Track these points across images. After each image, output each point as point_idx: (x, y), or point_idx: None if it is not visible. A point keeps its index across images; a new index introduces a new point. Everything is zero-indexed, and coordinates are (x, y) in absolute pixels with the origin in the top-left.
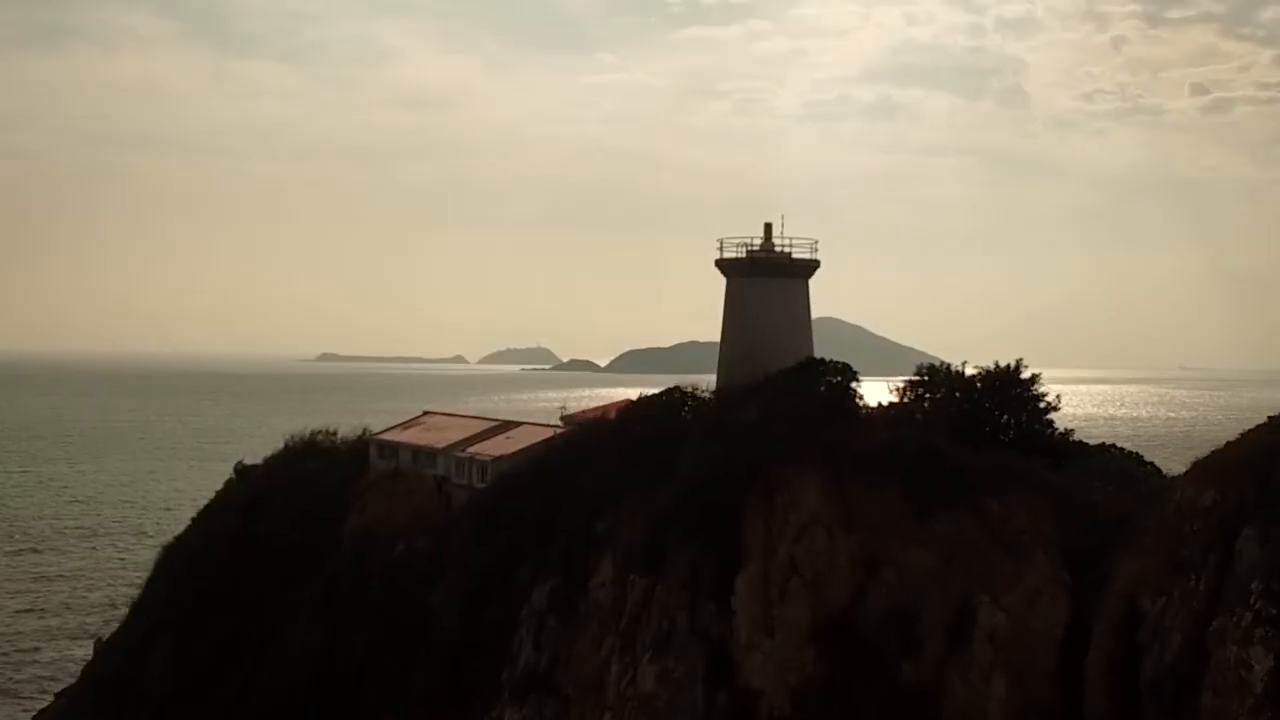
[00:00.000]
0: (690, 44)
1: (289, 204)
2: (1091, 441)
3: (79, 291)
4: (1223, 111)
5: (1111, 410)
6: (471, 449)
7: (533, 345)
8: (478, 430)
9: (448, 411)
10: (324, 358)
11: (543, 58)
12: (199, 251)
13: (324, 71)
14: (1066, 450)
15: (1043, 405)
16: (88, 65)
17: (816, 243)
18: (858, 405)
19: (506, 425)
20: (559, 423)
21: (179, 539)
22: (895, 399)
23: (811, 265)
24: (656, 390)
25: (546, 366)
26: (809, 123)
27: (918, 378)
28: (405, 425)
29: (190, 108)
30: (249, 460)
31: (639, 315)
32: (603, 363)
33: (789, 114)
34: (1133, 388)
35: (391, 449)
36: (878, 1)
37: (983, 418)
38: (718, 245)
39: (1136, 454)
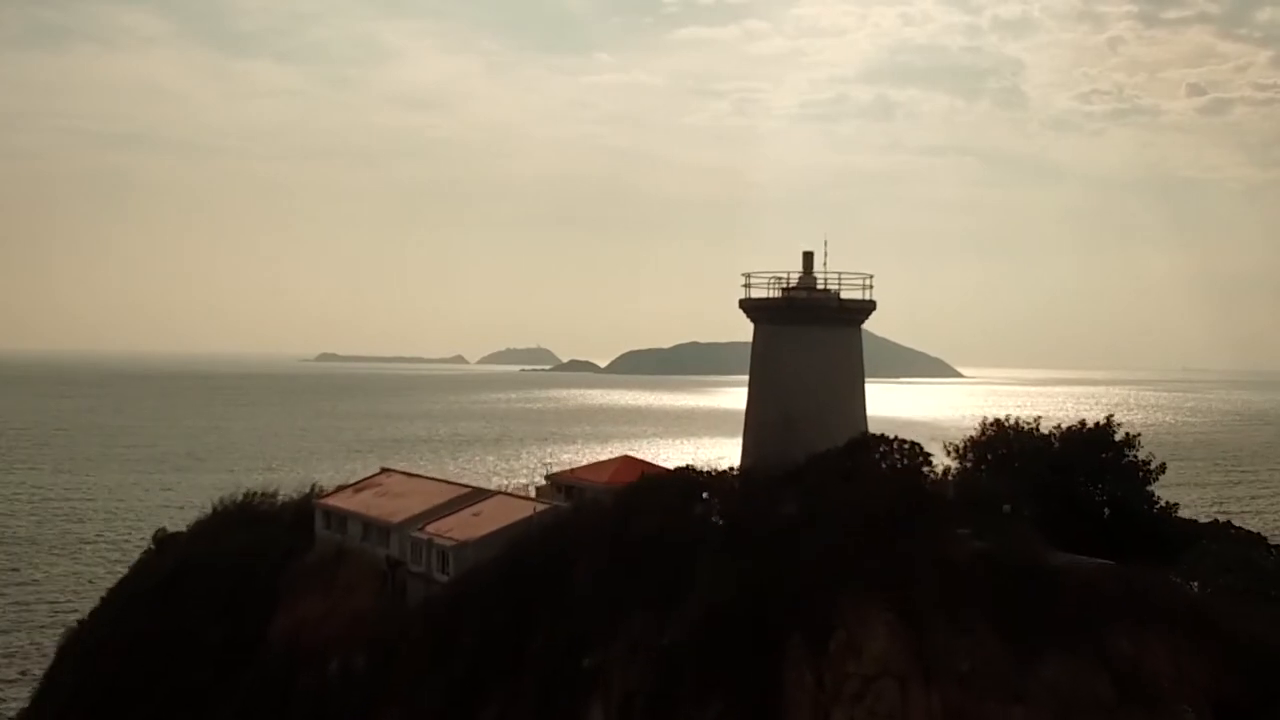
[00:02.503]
0: (687, 44)
1: (289, 204)
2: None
3: (77, 291)
4: (1220, 112)
5: (1123, 415)
6: (432, 527)
7: (533, 345)
8: (441, 500)
9: (409, 471)
10: (323, 358)
11: (542, 58)
12: (198, 251)
13: (324, 71)
14: (1172, 531)
15: (1141, 474)
16: (87, 65)
17: (871, 278)
18: (935, 499)
19: (476, 495)
20: (545, 480)
21: (88, 619)
22: (953, 460)
23: (865, 308)
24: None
25: (546, 367)
26: (806, 123)
27: (981, 433)
28: (359, 486)
29: (190, 107)
30: (188, 512)
31: (639, 316)
32: (602, 363)
33: (786, 114)
34: (1137, 390)
35: (340, 518)
36: (874, 1)
37: (1068, 490)
38: (743, 281)
39: (1258, 535)
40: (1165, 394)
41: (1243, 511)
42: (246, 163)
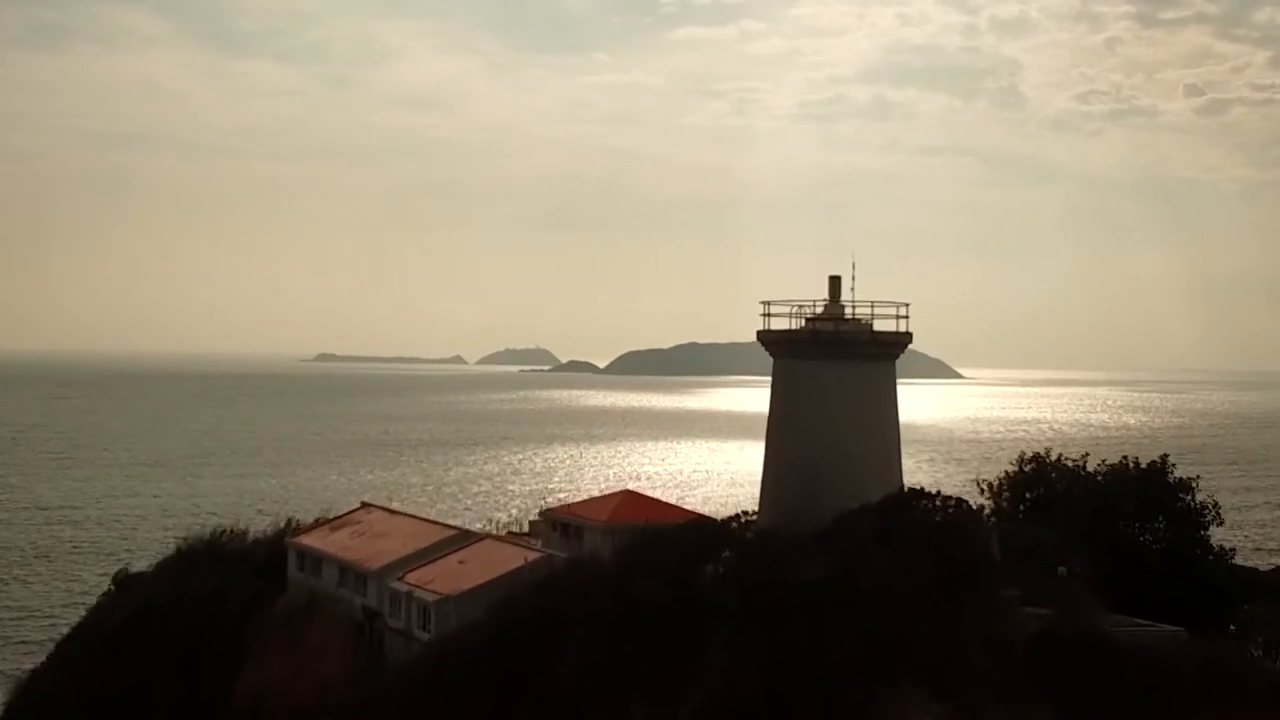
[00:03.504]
0: (685, 44)
1: (288, 203)
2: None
3: (76, 291)
4: (1218, 113)
5: (1130, 419)
6: (413, 575)
7: (532, 346)
8: (424, 543)
9: (391, 507)
10: (322, 358)
11: (541, 58)
12: (197, 251)
13: (323, 71)
14: (1231, 581)
15: (1197, 519)
16: (87, 65)
17: (906, 306)
18: (983, 564)
19: (463, 537)
20: (539, 515)
21: (42, 668)
22: (987, 499)
23: (901, 341)
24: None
25: (546, 367)
26: (805, 122)
27: (1019, 470)
28: (336, 524)
29: (190, 107)
30: (182, 519)
31: (638, 316)
32: (602, 364)
33: (785, 114)
34: (1139, 392)
35: (314, 560)
36: (872, 2)
37: (1117, 536)
38: (761, 310)
39: None
40: (1170, 395)
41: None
42: (246, 162)
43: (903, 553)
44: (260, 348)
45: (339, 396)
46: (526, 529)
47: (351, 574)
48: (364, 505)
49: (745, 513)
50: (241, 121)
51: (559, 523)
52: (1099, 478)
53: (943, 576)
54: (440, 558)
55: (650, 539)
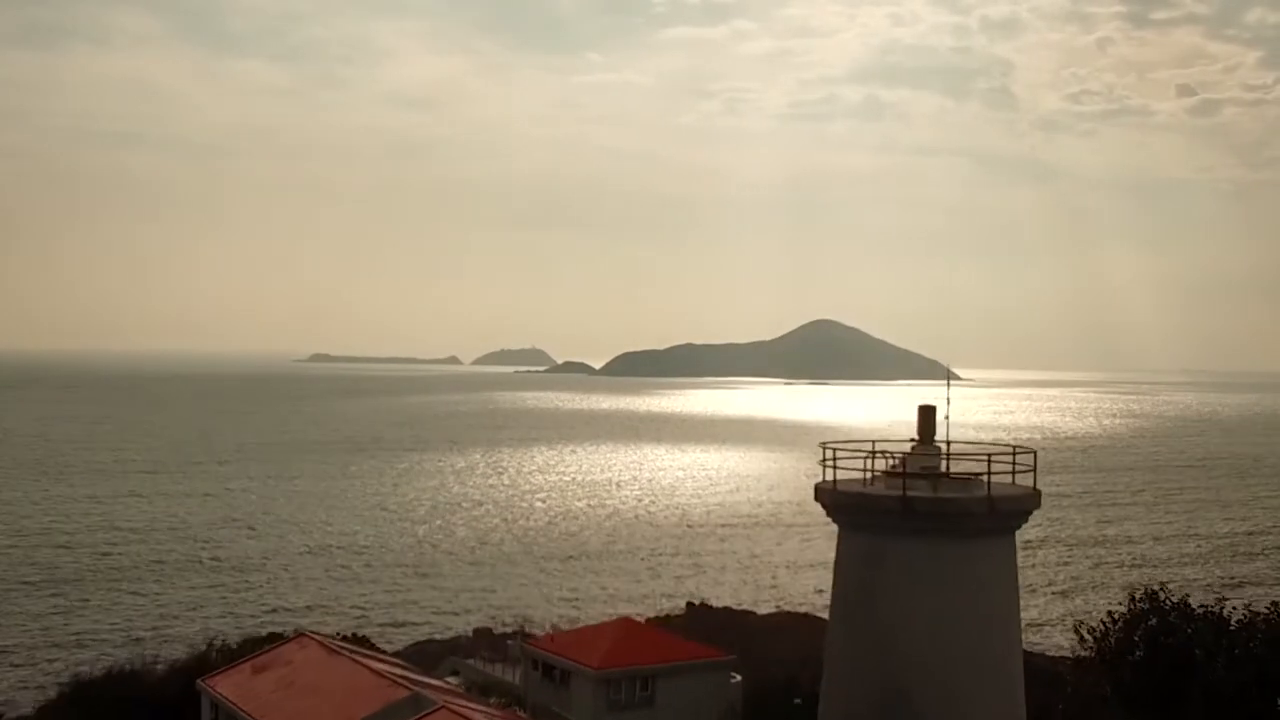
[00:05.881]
0: (676, 44)
1: (281, 203)
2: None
3: (70, 290)
4: (1210, 113)
5: (1133, 423)
6: None
7: (527, 346)
8: (363, 710)
9: (332, 643)
10: (316, 358)
11: (533, 57)
12: (191, 250)
13: (315, 71)
14: None
15: None
16: (79, 63)
17: (1034, 454)
18: None
19: (414, 706)
20: (521, 648)
21: None
22: (1089, 649)
23: (1028, 505)
24: None
25: (541, 368)
26: (797, 122)
27: (1130, 608)
28: (260, 663)
29: (182, 106)
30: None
31: (634, 317)
32: (597, 364)
33: (777, 114)
34: (1140, 394)
35: (228, 715)
36: (863, 2)
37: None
38: (820, 456)
39: None
40: (1171, 397)
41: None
42: (239, 161)
43: None
44: (254, 347)
45: (332, 397)
46: (527, 635)
47: None
48: (299, 636)
49: None
50: (235, 120)
51: (542, 662)
52: (1238, 628)
53: None
54: None
55: None
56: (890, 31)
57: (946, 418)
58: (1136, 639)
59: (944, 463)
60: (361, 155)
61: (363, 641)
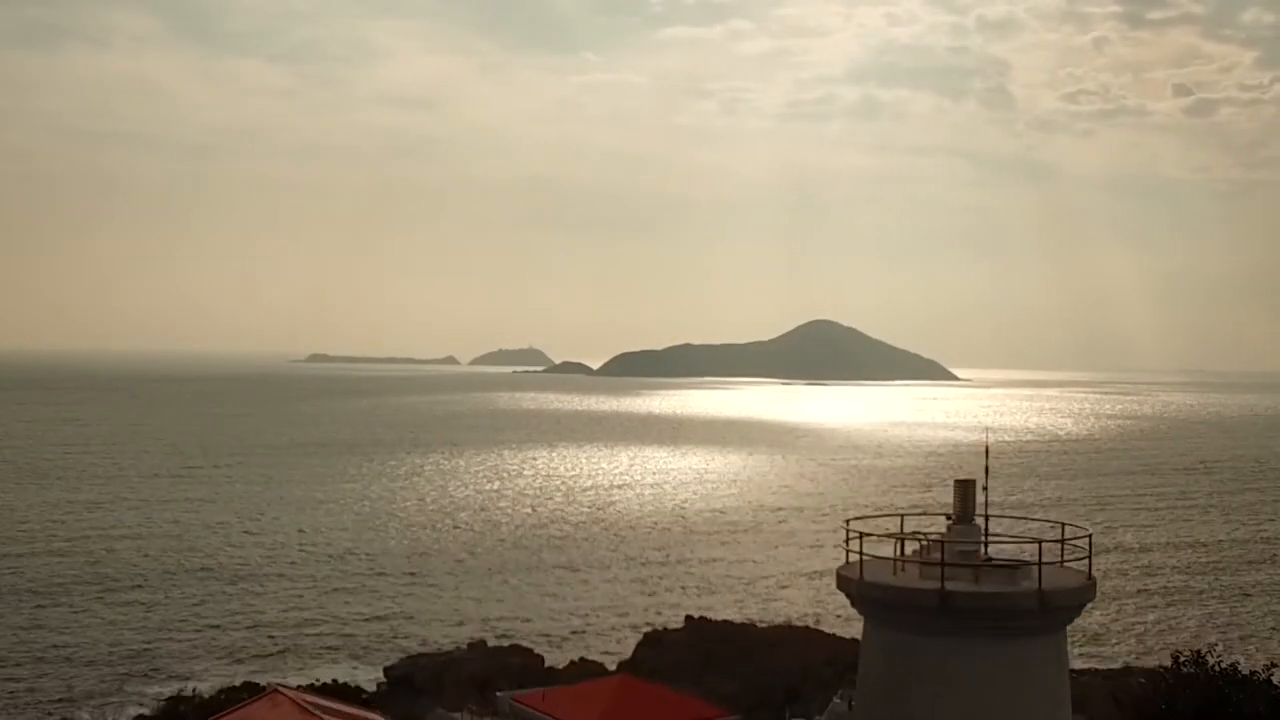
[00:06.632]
0: (673, 44)
1: (279, 202)
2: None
3: (64, 289)
4: (1206, 113)
5: (1134, 425)
6: None
7: (525, 346)
8: None
9: (305, 699)
10: (314, 358)
11: (530, 57)
12: (188, 250)
13: (313, 71)
14: None
15: None
16: (77, 63)
17: (1089, 537)
18: None
19: None
20: (507, 706)
21: None
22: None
23: (1081, 599)
24: None
25: (539, 368)
26: (794, 122)
27: (1172, 669)
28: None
29: (180, 106)
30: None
31: (632, 317)
32: (595, 365)
33: (774, 113)
34: (1139, 394)
35: None
36: (859, 1)
37: None
38: (844, 535)
39: None
40: (1174, 396)
41: None
42: (236, 161)
43: None
44: (252, 348)
45: (329, 398)
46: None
47: None
48: (274, 691)
49: None
50: (232, 120)
51: None
52: None
53: None
54: None
55: None
56: (887, 31)
57: (985, 489)
58: (1176, 706)
59: (983, 546)
60: (359, 155)
61: (342, 690)
